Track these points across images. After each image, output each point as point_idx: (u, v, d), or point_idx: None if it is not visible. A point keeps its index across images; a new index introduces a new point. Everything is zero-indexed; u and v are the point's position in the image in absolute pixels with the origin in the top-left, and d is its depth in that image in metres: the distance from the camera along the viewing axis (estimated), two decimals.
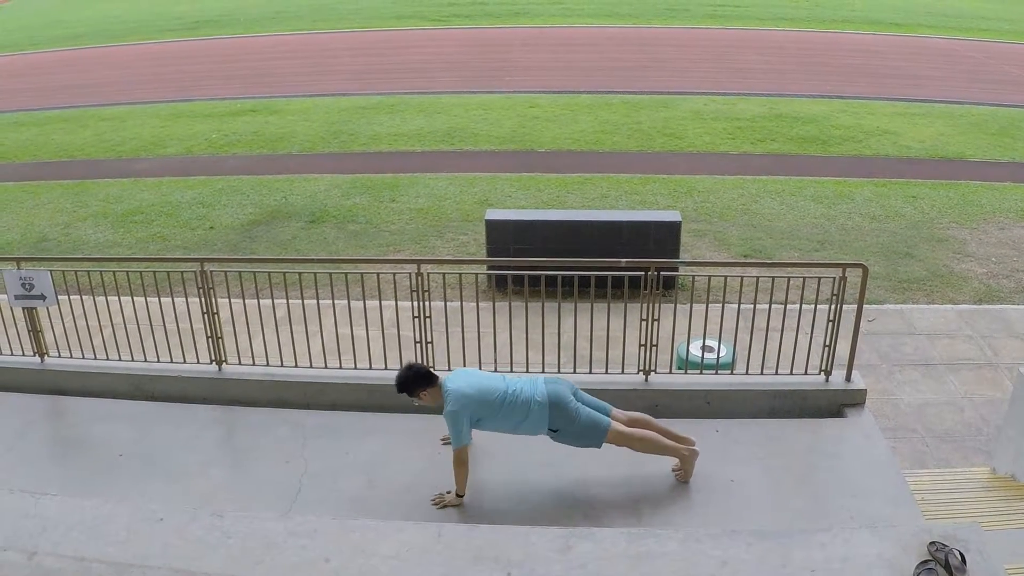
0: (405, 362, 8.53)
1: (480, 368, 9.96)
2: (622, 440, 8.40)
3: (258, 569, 6.63)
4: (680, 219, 16.93)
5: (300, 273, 10.82)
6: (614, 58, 42.05)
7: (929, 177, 24.23)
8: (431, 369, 8.44)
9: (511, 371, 10.05)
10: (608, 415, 8.48)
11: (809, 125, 29.45)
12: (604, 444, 8.41)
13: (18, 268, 10.53)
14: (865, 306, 9.90)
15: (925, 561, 6.66)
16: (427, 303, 9.82)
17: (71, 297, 10.79)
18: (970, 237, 19.79)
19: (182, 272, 10.55)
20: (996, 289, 17.13)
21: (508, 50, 44.78)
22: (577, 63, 40.95)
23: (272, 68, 42.07)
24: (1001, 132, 28.71)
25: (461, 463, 8.08)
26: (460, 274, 10.46)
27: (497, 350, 10.07)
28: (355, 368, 10.41)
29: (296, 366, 10.48)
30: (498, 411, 8.22)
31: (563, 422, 8.28)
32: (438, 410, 8.28)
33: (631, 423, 8.55)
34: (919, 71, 38.66)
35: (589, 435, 8.36)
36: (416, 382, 8.28)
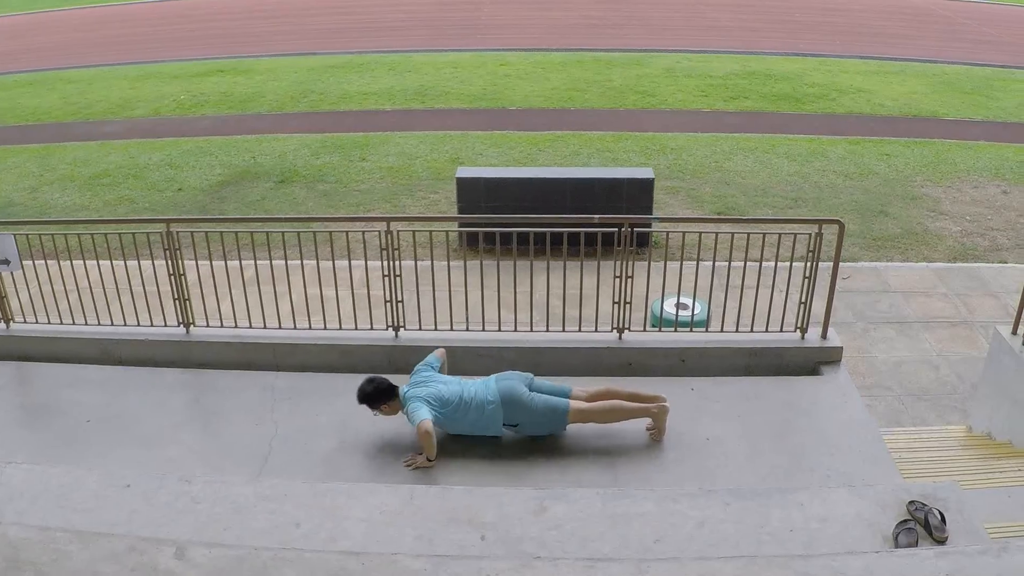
0: (366, 376, 8.46)
1: (451, 327, 9.88)
2: (585, 417, 8.38)
3: (227, 534, 6.53)
4: (653, 176, 16.80)
5: (268, 233, 10.62)
6: (586, 15, 41.82)
7: (903, 135, 24.21)
8: (392, 384, 8.43)
9: (483, 330, 9.94)
10: (568, 396, 8.41)
11: (782, 83, 29.36)
12: (569, 426, 8.42)
13: None
14: (840, 264, 9.81)
15: (904, 520, 6.62)
16: (397, 262, 9.67)
17: (36, 262, 10.59)
18: (944, 195, 19.75)
19: (148, 234, 10.33)
20: (971, 247, 17.11)
21: (478, 7, 44.44)
22: (549, 20, 40.70)
23: (241, 28, 41.67)
24: (975, 91, 28.70)
25: (426, 432, 7.99)
26: (431, 232, 10.31)
27: (468, 309, 9.94)
28: (325, 328, 10.26)
29: (265, 327, 10.33)
30: (455, 415, 8.27)
31: (520, 416, 8.30)
32: (411, 365, 8.27)
33: (594, 398, 8.50)
34: (893, 30, 38.59)
35: (549, 422, 8.36)
36: (379, 396, 8.37)
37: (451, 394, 8.27)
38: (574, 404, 8.33)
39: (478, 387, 8.38)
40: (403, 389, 8.39)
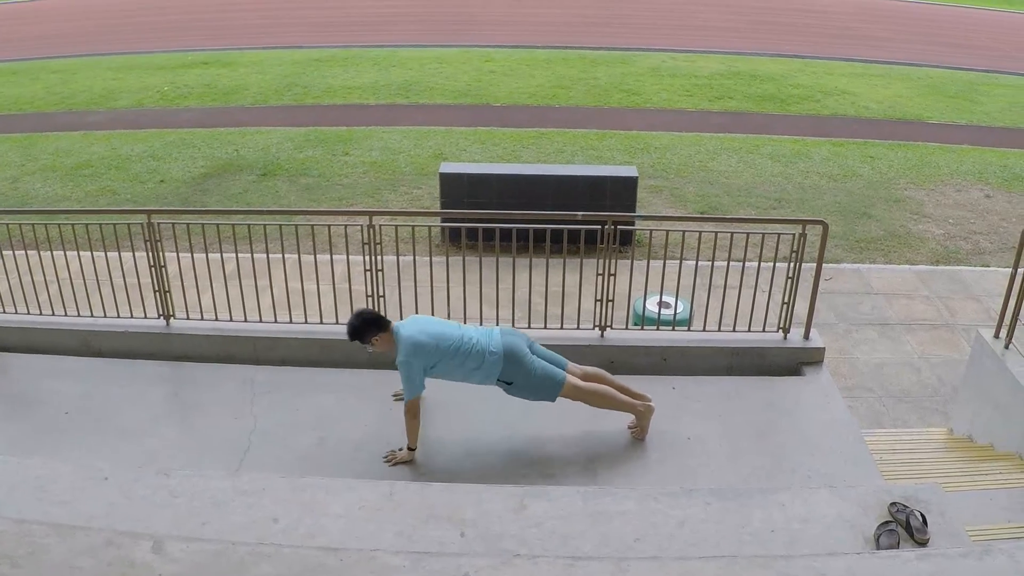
0: (355, 309, 8.30)
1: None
2: (577, 394, 8.26)
3: (205, 529, 6.48)
4: (637, 175, 16.80)
5: (250, 225, 10.57)
6: (572, 13, 41.85)
7: (887, 138, 24.28)
8: (382, 315, 8.22)
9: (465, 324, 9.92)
10: (564, 369, 8.33)
11: (767, 84, 29.42)
12: (559, 398, 8.27)
13: None
14: (823, 265, 9.80)
15: (886, 522, 6.61)
16: (379, 257, 9.62)
17: (16, 252, 10.52)
18: (927, 198, 19.80)
19: (129, 225, 10.27)
20: (953, 250, 17.14)
21: (465, 3, 44.40)
22: (534, 18, 40.69)
23: (226, 20, 41.54)
24: (959, 95, 28.82)
25: (413, 414, 7.91)
26: (413, 227, 10.24)
27: (450, 305, 9.90)
28: (306, 323, 10.21)
29: (246, 321, 10.28)
30: (452, 358, 8.00)
31: (518, 375, 8.11)
32: (391, 359, 8.10)
33: (587, 378, 8.42)
34: (878, 33, 38.71)
35: (543, 388, 8.21)
36: (367, 328, 8.01)
37: (450, 336, 8.03)
38: (570, 379, 8.22)
39: (480, 335, 8.17)
40: (398, 324, 8.16)
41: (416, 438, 8.05)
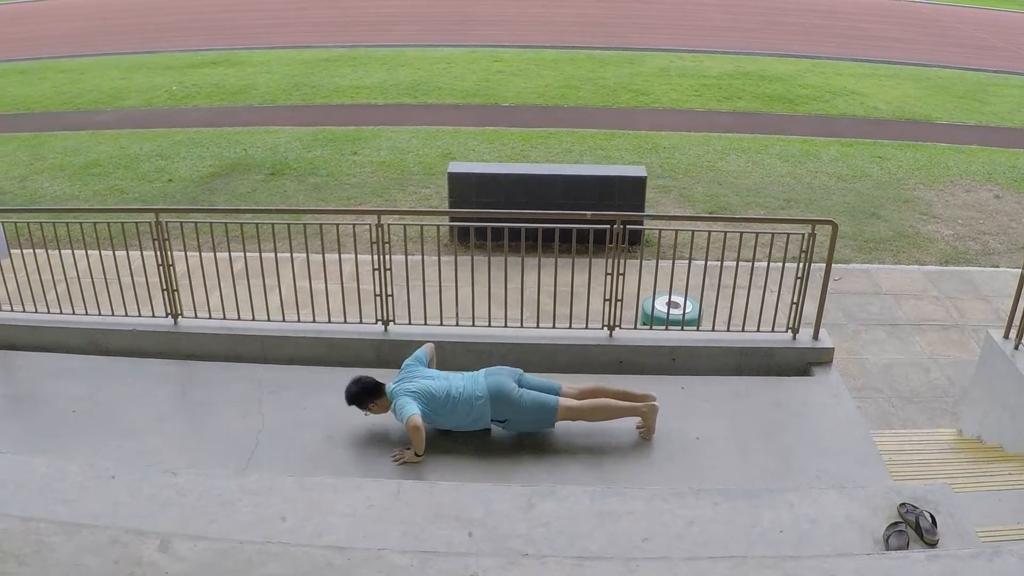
0: (352, 376, 8.41)
1: (441, 322, 9.83)
2: (574, 415, 8.31)
3: (212, 528, 6.47)
4: (646, 175, 16.76)
5: (258, 224, 10.57)
6: (580, 13, 41.82)
7: (896, 138, 24.22)
8: (377, 381, 8.38)
9: (473, 325, 9.88)
10: (558, 393, 8.36)
11: (776, 84, 29.37)
12: (557, 423, 8.36)
13: None
14: (832, 265, 9.77)
15: (895, 523, 6.58)
16: (387, 256, 9.61)
17: (24, 251, 10.53)
18: (936, 199, 19.74)
19: (137, 224, 10.26)
20: (962, 251, 17.09)
21: (473, 3, 44.39)
22: (543, 17, 40.68)
23: (234, 20, 41.56)
24: (968, 95, 28.74)
25: (415, 427, 7.93)
26: (421, 226, 10.24)
27: (459, 304, 9.88)
28: (314, 322, 10.20)
29: (253, 320, 10.26)
30: (442, 410, 8.19)
31: (509, 412, 8.23)
32: (401, 358, 8.20)
33: (583, 395, 8.43)
34: (887, 33, 38.63)
35: (538, 418, 8.29)
36: (365, 396, 8.32)
37: (438, 389, 8.19)
38: (563, 402, 8.25)
39: (466, 381, 8.30)
40: (390, 386, 8.33)
41: (422, 446, 8.06)
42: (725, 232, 9.87)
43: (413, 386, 8.22)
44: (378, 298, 9.80)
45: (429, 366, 8.68)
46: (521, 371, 8.53)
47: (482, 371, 8.47)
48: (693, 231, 11.06)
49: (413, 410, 7.94)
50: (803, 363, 9.82)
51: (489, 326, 9.88)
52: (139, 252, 10.33)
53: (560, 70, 31.03)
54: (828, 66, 32.23)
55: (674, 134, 24.15)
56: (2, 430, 9.01)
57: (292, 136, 24.07)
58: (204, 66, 32.50)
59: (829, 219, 9.47)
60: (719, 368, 9.80)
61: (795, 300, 9.64)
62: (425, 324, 9.95)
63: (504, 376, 8.34)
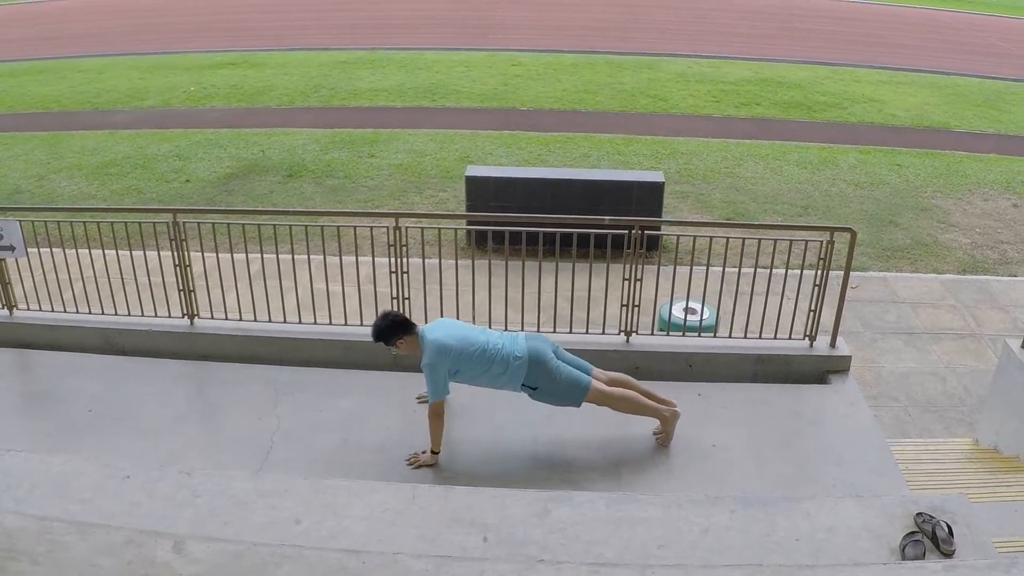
0: (381, 311, 8.28)
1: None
2: (603, 399, 8.22)
3: (226, 529, 6.46)
4: (663, 180, 16.75)
5: (275, 226, 10.58)
6: (598, 18, 41.81)
7: (914, 146, 24.15)
8: (408, 318, 8.21)
9: (490, 328, 9.87)
10: (589, 374, 8.28)
11: (794, 90, 29.31)
12: (584, 404, 8.22)
13: None
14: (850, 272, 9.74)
15: (912, 532, 6.55)
16: (405, 259, 9.60)
17: (41, 250, 10.55)
18: (954, 207, 19.68)
19: (154, 224, 10.28)
20: (980, 260, 17.02)
21: (492, 7, 44.42)
22: (561, 22, 40.69)
23: (252, 21, 41.70)
24: (986, 103, 28.65)
25: (437, 417, 7.88)
26: (439, 229, 10.23)
27: (475, 308, 9.87)
28: (330, 324, 10.19)
29: (270, 321, 10.27)
30: (477, 364, 7.97)
31: (543, 380, 8.07)
32: (415, 361, 8.07)
33: (612, 383, 8.37)
34: (905, 40, 38.55)
35: (569, 394, 8.16)
36: (393, 330, 8.02)
37: (475, 339, 8.01)
38: (595, 384, 8.17)
39: (505, 340, 8.14)
40: (424, 328, 8.17)
41: (439, 441, 8.02)
42: (743, 238, 9.83)
43: (449, 331, 8.05)
44: (395, 301, 9.79)
45: None
46: (556, 344, 8.45)
47: (522, 333, 8.36)
48: (711, 237, 11.03)
49: (443, 393, 7.87)
50: (820, 371, 9.78)
51: (506, 330, 9.87)
52: (156, 252, 10.33)
53: (578, 75, 31.02)
54: (846, 73, 32.17)
55: (692, 140, 24.13)
56: (18, 428, 9.03)
57: (310, 138, 24.11)
58: (223, 67, 32.60)
59: (848, 227, 9.44)
60: (736, 375, 9.77)
61: (812, 307, 9.61)
62: None
63: (544, 343, 8.23)
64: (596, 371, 8.41)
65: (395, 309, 9.53)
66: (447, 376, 7.92)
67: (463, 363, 7.96)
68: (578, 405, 8.24)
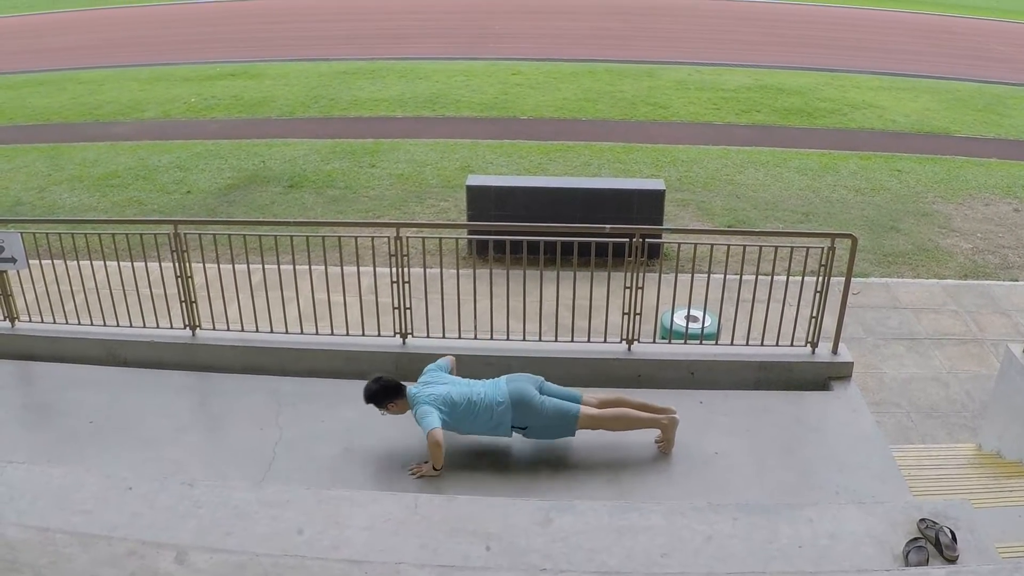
0: (373, 375, 8.39)
1: (459, 335, 9.81)
2: (595, 423, 8.28)
3: (229, 540, 6.45)
4: (664, 188, 16.77)
5: (276, 236, 10.58)
6: (598, 27, 41.83)
7: (914, 151, 24.15)
8: (399, 382, 8.34)
9: (491, 338, 9.85)
10: (578, 402, 8.32)
11: (794, 97, 29.31)
12: (577, 433, 8.30)
13: None
14: (851, 279, 9.73)
15: (915, 538, 6.54)
16: (406, 268, 9.60)
17: (43, 261, 10.54)
18: (955, 212, 19.68)
19: (156, 235, 10.29)
20: (982, 265, 17.02)
21: (491, 16, 44.45)
22: (560, 31, 40.71)
23: (252, 32, 41.73)
24: (986, 108, 28.64)
25: (436, 443, 7.91)
26: (440, 239, 10.23)
27: (477, 318, 9.87)
28: (332, 334, 10.19)
29: (272, 332, 10.26)
30: (465, 417, 8.15)
31: (530, 419, 8.19)
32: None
33: (603, 404, 8.40)
34: (904, 46, 38.53)
35: (559, 426, 8.25)
36: (385, 394, 8.26)
37: (459, 396, 8.14)
38: (584, 410, 8.22)
39: (487, 388, 8.26)
40: (411, 389, 8.28)
41: (441, 463, 8.03)
42: (744, 246, 9.83)
43: (434, 391, 8.18)
44: (396, 311, 9.80)
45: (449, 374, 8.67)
46: (542, 379, 8.50)
47: (503, 377, 8.44)
48: (712, 244, 11.03)
49: (435, 423, 7.91)
50: (822, 377, 9.77)
51: (507, 339, 9.87)
52: (157, 263, 10.33)
53: (578, 83, 31.03)
54: (846, 79, 32.16)
55: (692, 147, 24.14)
56: (20, 440, 9.02)
57: (310, 148, 24.14)
58: (223, 78, 32.62)
59: (849, 233, 9.44)
60: (738, 382, 9.76)
61: (814, 314, 9.60)
62: (443, 337, 9.95)
63: (525, 382, 8.31)
64: (586, 396, 8.47)
65: (396, 326, 9.56)
66: (437, 416, 8.01)
67: (451, 420, 8.12)
68: (572, 434, 8.34)
